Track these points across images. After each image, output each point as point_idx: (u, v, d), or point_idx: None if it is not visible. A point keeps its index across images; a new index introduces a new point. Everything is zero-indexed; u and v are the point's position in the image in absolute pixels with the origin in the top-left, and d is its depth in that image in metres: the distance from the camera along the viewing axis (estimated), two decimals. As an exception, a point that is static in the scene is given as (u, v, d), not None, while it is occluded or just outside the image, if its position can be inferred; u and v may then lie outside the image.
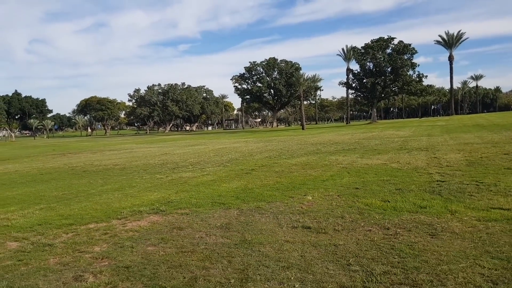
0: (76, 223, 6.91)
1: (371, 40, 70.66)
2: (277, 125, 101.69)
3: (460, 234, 5.07)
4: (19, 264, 4.95)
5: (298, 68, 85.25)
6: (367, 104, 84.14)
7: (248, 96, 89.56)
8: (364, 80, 71.67)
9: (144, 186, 10.87)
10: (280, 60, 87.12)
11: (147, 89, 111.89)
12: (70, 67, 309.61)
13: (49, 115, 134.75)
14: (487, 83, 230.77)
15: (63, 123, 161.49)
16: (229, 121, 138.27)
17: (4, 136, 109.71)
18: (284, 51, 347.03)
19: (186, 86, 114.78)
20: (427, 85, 71.39)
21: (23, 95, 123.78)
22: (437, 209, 6.35)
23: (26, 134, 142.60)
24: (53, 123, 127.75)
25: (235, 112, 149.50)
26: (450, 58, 79.93)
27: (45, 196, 10.14)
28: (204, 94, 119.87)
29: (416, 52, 68.46)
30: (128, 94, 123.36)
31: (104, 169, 15.97)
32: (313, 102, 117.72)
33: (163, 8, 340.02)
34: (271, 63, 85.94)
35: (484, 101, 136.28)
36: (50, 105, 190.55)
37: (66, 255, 5.19)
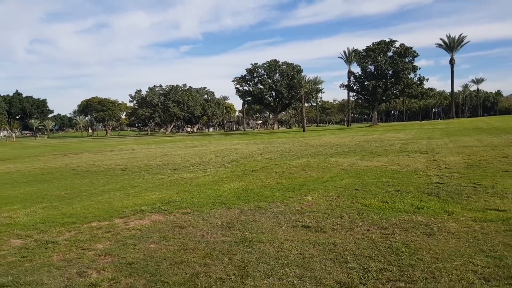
0: (78, 221, 7.01)
1: (373, 42, 70.96)
2: (278, 127, 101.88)
3: (456, 234, 5.19)
4: (23, 261, 5.05)
5: (299, 70, 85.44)
6: (368, 106, 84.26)
7: (249, 98, 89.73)
8: (365, 83, 71.83)
9: (145, 186, 10.98)
10: (282, 62, 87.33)
11: (148, 90, 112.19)
12: (71, 68, 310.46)
13: (50, 116, 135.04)
14: (488, 87, 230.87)
15: (64, 123, 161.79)
16: (230, 123, 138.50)
17: (4, 136, 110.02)
18: (285, 53, 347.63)
19: (187, 87, 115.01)
20: (428, 88, 71.50)
21: (24, 95, 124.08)
22: (434, 210, 6.46)
23: (26, 134, 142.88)
24: (53, 123, 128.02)
25: (236, 114, 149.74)
26: (451, 62, 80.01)
27: (47, 195, 10.24)
28: (206, 96, 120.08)
29: (417, 55, 68.75)
30: (129, 95, 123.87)
31: (106, 169, 16.08)
32: (314, 104, 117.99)
33: (164, 9, 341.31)
34: (272, 65, 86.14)
35: (485, 104, 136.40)
36: (51, 105, 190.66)
37: (69, 252, 5.28)
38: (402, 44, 68.66)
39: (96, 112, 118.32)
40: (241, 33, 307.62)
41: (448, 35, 78.46)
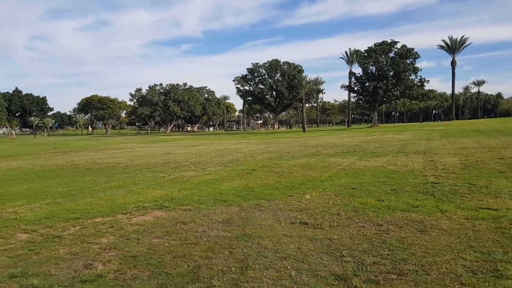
0: (82, 217, 7.19)
1: (374, 43, 71.09)
2: (279, 127, 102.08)
3: (448, 231, 5.39)
4: (30, 254, 5.23)
5: (300, 71, 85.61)
6: (369, 107, 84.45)
7: (250, 98, 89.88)
8: (366, 84, 71.97)
9: (147, 183, 11.17)
10: (283, 62, 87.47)
11: (148, 88, 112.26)
12: (71, 65, 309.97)
13: (49, 113, 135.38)
14: (489, 89, 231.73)
15: (63, 121, 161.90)
16: (230, 123, 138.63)
17: (4, 133, 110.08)
18: (287, 53, 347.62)
19: (187, 86, 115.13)
20: (429, 90, 71.65)
21: (23, 93, 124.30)
22: (429, 208, 6.66)
23: (26, 131, 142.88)
24: (53, 121, 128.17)
25: (237, 113, 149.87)
26: (453, 63, 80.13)
27: (50, 192, 10.43)
28: (206, 95, 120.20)
29: (418, 56, 68.93)
30: (129, 93, 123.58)
31: (107, 167, 16.27)
32: (315, 105, 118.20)
33: (165, 7, 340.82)
34: (273, 65, 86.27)
35: (485, 106, 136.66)
36: (50, 103, 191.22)
37: (75, 246, 5.47)
38: (403, 45, 68.85)
39: (96, 110, 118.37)
40: (243, 31, 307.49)
41: (450, 36, 78.67)
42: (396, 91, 71.93)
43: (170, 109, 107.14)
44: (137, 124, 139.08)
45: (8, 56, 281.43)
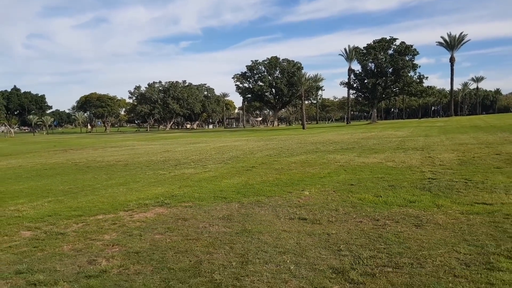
0: (85, 214, 7.30)
1: (373, 40, 70.98)
2: (278, 124, 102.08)
3: (443, 225, 5.53)
4: (35, 250, 5.33)
5: (300, 68, 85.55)
6: (368, 104, 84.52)
7: (249, 95, 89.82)
8: (365, 81, 72.02)
9: (148, 181, 11.28)
10: (282, 59, 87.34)
11: (147, 86, 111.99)
12: (70, 63, 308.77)
13: (48, 111, 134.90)
14: (488, 85, 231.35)
15: (62, 119, 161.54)
16: (230, 120, 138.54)
17: (3, 131, 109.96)
18: (286, 50, 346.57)
19: (187, 84, 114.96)
20: (427, 87, 71.70)
21: (22, 91, 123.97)
22: (425, 203, 6.81)
23: (25, 130, 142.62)
24: (52, 119, 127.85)
25: (236, 110, 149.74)
26: (451, 60, 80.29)
27: (52, 189, 10.52)
28: (205, 92, 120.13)
29: (417, 53, 68.86)
30: (128, 91, 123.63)
31: (107, 165, 16.37)
32: (314, 101, 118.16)
33: (164, 4, 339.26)
34: (273, 62, 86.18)
35: (484, 103, 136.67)
36: (49, 101, 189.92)
37: (78, 243, 5.58)
38: (402, 42, 68.80)
39: (95, 108, 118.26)
40: (242, 28, 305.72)
41: (449, 33, 78.90)
42: (395, 88, 71.94)
43: (169, 107, 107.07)
44: (136, 122, 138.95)
45: (6, 54, 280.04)
